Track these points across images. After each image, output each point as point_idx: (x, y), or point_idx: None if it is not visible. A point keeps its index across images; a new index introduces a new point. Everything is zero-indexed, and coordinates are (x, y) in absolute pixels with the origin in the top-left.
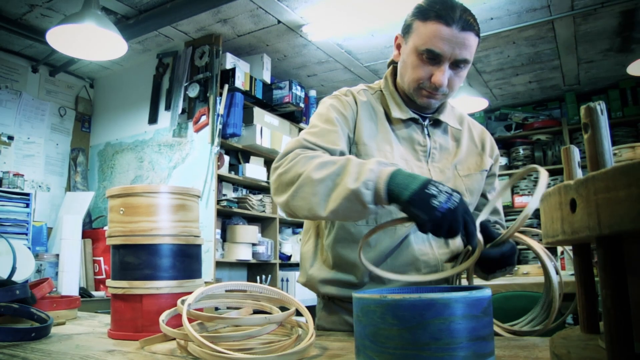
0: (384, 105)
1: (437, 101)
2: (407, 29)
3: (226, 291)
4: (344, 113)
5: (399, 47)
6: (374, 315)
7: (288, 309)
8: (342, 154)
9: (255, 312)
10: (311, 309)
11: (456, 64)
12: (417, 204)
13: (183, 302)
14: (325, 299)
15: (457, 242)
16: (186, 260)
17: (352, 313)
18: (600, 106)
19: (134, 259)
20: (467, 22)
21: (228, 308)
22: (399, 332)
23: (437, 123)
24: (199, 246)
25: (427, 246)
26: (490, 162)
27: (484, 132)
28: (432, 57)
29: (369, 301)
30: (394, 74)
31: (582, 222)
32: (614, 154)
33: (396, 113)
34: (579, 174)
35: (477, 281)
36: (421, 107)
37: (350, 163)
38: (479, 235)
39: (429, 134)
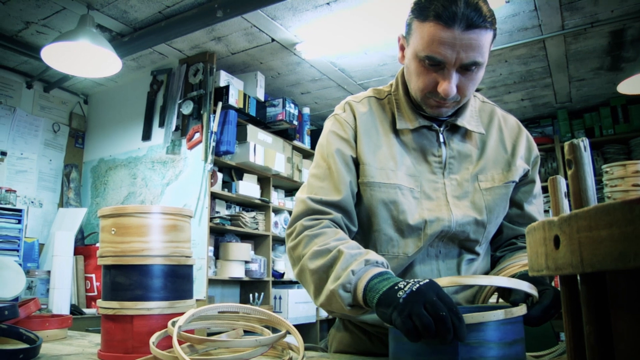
0: (393, 112)
1: (448, 109)
2: (407, 29)
3: (218, 312)
4: (343, 137)
5: (402, 48)
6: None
7: (280, 331)
8: (345, 200)
9: (246, 332)
10: (304, 327)
11: (465, 68)
12: (383, 302)
13: (174, 323)
14: (339, 318)
15: (468, 273)
16: (177, 280)
17: (356, 335)
18: (583, 143)
19: (125, 280)
20: (472, 18)
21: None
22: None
23: (455, 128)
24: (190, 266)
25: (434, 275)
26: (523, 169)
27: (520, 131)
28: (434, 64)
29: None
30: None
31: (565, 259)
32: (606, 172)
33: (402, 124)
34: (566, 204)
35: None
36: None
37: (341, 258)
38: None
39: (444, 142)
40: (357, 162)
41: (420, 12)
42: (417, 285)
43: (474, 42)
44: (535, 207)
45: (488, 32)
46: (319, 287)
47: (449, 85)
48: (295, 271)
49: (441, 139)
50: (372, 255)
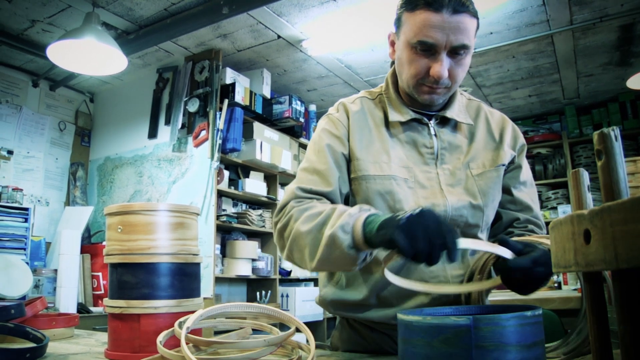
0: (385, 109)
1: (439, 96)
2: (397, 23)
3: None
4: (336, 134)
5: (392, 44)
6: (425, 337)
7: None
8: (334, 192)
9: (255, 331)
10: (311, 326)
11: (454, 52)
12: (384, 227)
13: (181, 324)
14: (340, 317)
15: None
16: (184, 279)
17: (362, 333)
18: (614, 132)
19: (132, 278)
20: (458, 3)
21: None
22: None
23: (444, 120)
24: (197, 264)
25: (438, 267)
26: (510, 155)
27: (504, 121)
28: (426, 49)
29: (418, 323)
30: (395, 74)
31: (597, 254)
32: None
33: (394, 116)
34: (589, 198)
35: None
36: (425, 105)
37: (335, 212)
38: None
39: (435, 134)
40: (349, 159)
41: (409, 3)
42: (412, 213)
43: (461, 25)
44: (526, 194)
45: (473, 20)
46: (314, 245)
47: (441, 67)
48: (287, 246)
49: (432, 132)
50: (365, 206)
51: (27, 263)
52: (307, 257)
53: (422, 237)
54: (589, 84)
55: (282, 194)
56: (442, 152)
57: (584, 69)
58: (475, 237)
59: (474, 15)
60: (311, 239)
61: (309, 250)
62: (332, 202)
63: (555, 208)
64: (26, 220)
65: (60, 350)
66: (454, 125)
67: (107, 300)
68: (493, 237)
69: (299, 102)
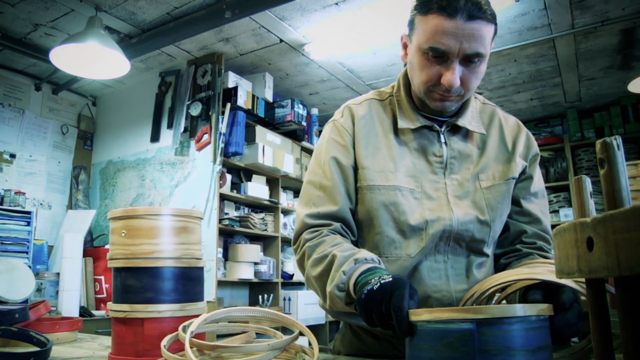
0: (394, 113)
1: (452, 103)
2: (410, 26)
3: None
4: (341, 143)
5: (405, 46)
6: (434, 341)
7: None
8: (342, 210)
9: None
10: (313, 329)
11: (468, 60)
12: (358, 291)
13: (184, 328)
14: (344, 323)
15: (478, 277)
16: (188, 283)
17: (364, 339)
18: (616, 141)
19: (136, 282)
20: (475, 9)
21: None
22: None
23: (456, 128)
24: (201, 268)
25: (442, 281)
26: (522, 165)
27: (519, 129)
28: (437, 56)
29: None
30: (407, 75)
31: (600, 261)
32: None
33: (403, 123)
34: (592, 205)
35: None
36: (437, 111)
37: (335, 261)
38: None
39: (445, 142)
40: (356, 167)
41: (423, 6)
42: (373, 286)
43: (476, 32)
44: (536, 206)
45: (489, 26)
46: (322, 291)
47: (453, 76)
48: (305, 278)
49: (442, 139)
50: (362, 253)
51: (30, 266)
52: (320, 297)
53: (376, 312)
54: (591, 88)
55: (284, 198)
56: (452, 162)
57: (586, 73)
58: (481, 251)
59: (492, 20)
60: (320, 284)
61: (320, 294)
62: (341, 220)
63: (557, 211)
64: (29, 224)
65: (64, 354)
66: (466, 133)
67: (110, 305)
68: (500, 249)
69: (301, 106)
